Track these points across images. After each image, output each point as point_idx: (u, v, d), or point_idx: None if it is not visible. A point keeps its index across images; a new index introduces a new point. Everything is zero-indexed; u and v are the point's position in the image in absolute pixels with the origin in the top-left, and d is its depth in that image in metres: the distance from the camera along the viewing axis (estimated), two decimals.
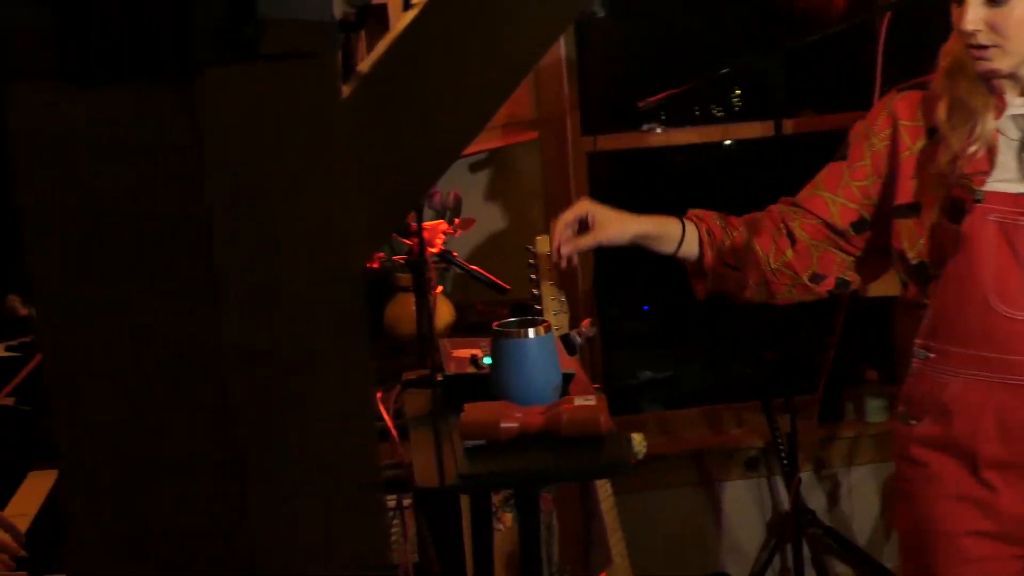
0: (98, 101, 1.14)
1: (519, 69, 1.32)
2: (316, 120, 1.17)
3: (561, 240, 3.00)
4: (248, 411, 1.19)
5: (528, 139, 4.70)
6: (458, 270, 3.62)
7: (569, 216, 3.03)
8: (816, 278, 3.15)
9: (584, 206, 3.06)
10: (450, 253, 3.54)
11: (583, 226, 3.04)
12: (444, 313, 3.89)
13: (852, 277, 3.18)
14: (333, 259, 1.20)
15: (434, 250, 3.49)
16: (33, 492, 2.97)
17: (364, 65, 1.28)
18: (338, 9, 1.20)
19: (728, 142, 5.27)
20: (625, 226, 3.09)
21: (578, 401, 2.20)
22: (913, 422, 3.01)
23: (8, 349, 3.45)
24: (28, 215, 1.15)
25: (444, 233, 3.52)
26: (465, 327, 3.99)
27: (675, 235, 3.12)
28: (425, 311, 2.43)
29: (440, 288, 3.67)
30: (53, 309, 1.18)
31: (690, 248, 3.12)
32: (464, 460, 2.12)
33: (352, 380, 1.22)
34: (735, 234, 3.12)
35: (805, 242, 3.10)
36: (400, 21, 1.29)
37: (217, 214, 1.16)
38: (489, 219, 4.51)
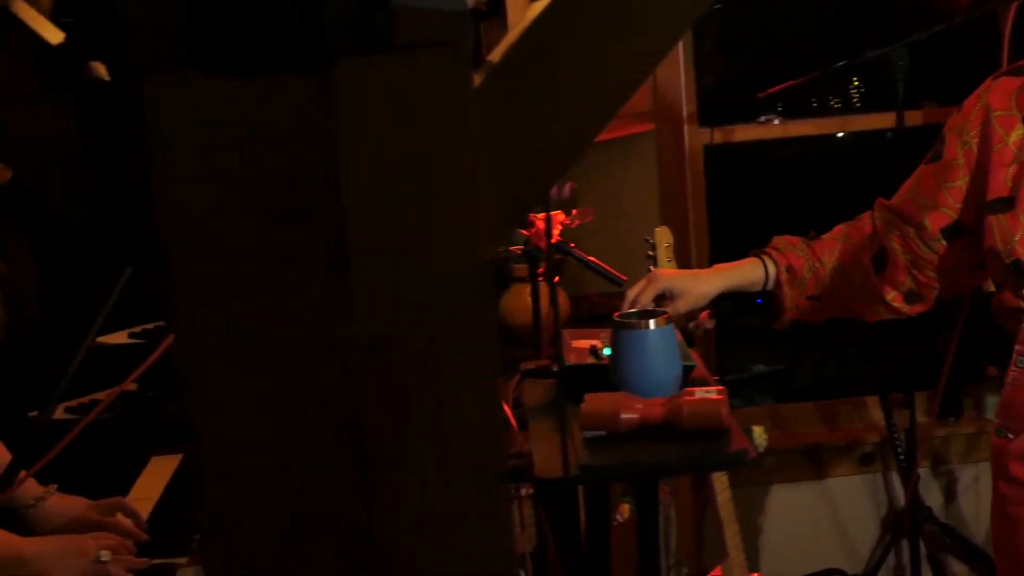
0: (233, 91, 1.15)
1: (649, 60, 1.31)
2: (450, 110, 1.17)
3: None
4: (377, 400, 1.20)
5: (644, 130, 4.69)
6: (574, 261, 3.61)
7: (644, 297, 2.98)
8: (911, 297, 3.09)
9: (658, 283, 3.01)
10: (567, 244, 3.54)
11: (660, 297, 3.00)
12: (560, 304, 3.88)
13: (929, 292, 3.10)
14: (464, 249, 1.20)
15: (552, 240, 3.49)
16: (156, 477, 3.01)
17: (495, 55, 1.27)
18: None
19: (840, 134, 5.22)
20: (704, 290, 3.05)
21: (699, 393, 2.19)
22: (1010, 436, 2.90)
23: (131, 336, 3.51)
24: (163, 204, 1.17)
25: (561, 224, 3.52)
26: (579, 318, 3.99)
27: (758, 279, 3.10)
28: (552, 301, 2.43)
29: (557, 279, 3.66)
30: (187, 299, 1.19)
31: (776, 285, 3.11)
32: (584, 451, 2.12)
33: (480, 370, 1.23)
34: (818, 266, 3.08)
35: (898, 259, 3.03)
36: (530, 10, 1.29)
37: (351, 204, 1.17)
38: (604, 210, 4.51)
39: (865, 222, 3.11)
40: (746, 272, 3.08)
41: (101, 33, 1.23)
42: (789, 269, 3.07)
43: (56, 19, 1.27)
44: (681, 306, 2.98)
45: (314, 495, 1.21)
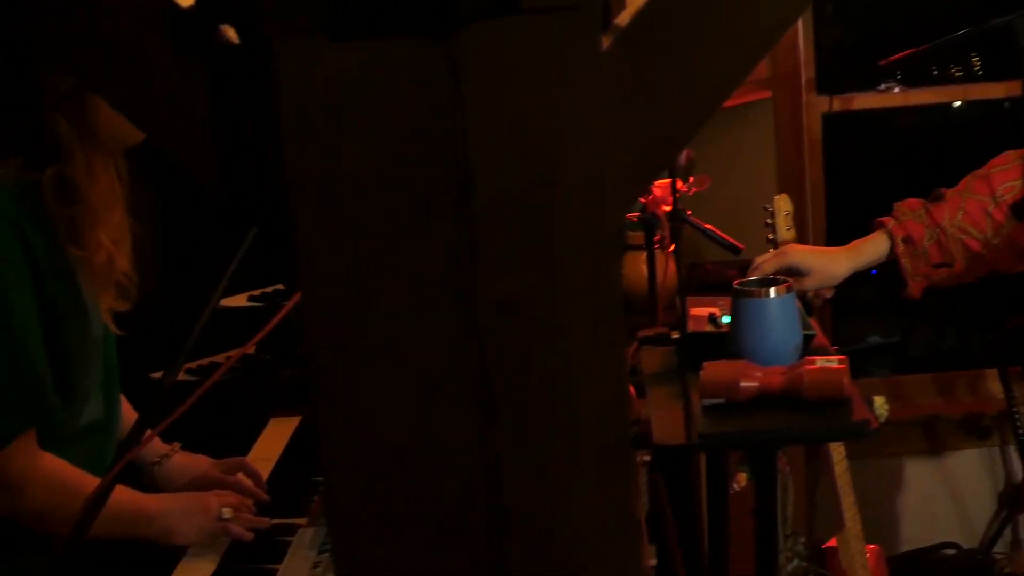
0: (362, 55, 1.16)
1: (779, 25, 1.29)
2: (578, 74, 1.17)
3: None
4: (504, 361, 1.20)
5: (761, 98, 4.65)
6: (689, 229, 3.60)
7: (770, 267, 2.95)
8: None
9: (789, 257, 2.98)
10: (683, 211, 3.53)
11: (790, 271, 2.96)
12: (673, 272, 3.87)
13: None
14: (592, 214, 1.20)
15: (668, 208, 3.48)
16: (275, 438, 3.05)
17: (623, 18, 1.27)
18: None
19: (957, 104, 5.14)
20: (836, 271, 3.01)
21: (820, 362, 2.17)
22: None
23: (250, 299, 3.55)
24: (292, 167, 1.18)
25: (678, 191, 3.50)
26: (693, 286, 3.98)
27: (885, 252, 3.06)
28: (679, 269, 2.42)
29: (673, 247, 3.65)
30: (315, 260, 1.20)
31: None
32: (703, 419, 2.11)
33: (606, 334, 1.22)
34: (938, 232, 3.03)
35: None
36: None
37: (478, 166, 1.17)
38: (720, 178, 4.48)
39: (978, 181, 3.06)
40: (874, 248, 3.04)
41: None
42: (907, 240, 3.03)
43: None
44: (809, 284, 2.96)
45: (438, 453, 1.22)
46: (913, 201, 3.09)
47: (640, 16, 1.25)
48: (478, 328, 1.19)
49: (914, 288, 3.10)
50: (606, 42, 1.22)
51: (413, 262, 1.19)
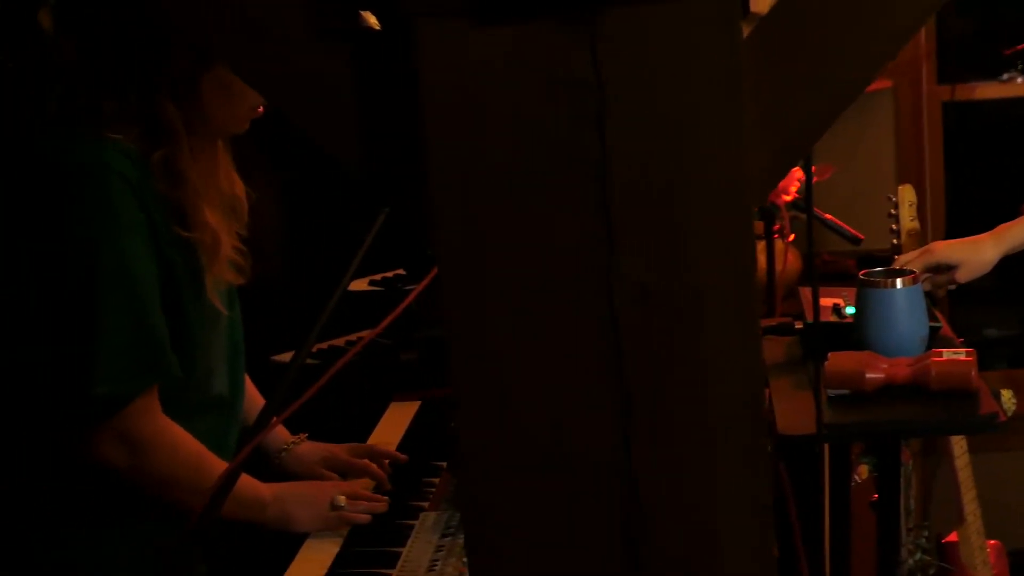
0: (504, 39, 1.16)
1: (920, 14, 1.28)
2: (718, 60, 1.16)
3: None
4: (639, 348, 1.20)
5: (882, 88, 4.61)
6: (804, 219, 3.57)
7: (914, 266, 2.89)
8: None
9: (933, 255, 2.92)
10: (804, 201, 3.50)
11: (936, 268, 2.91)
12: (792, 262, 3.85)
13: None
14: (729, 200, 1.19)
15: (788, 198, 3.46)
16: (395, 422, 3.06)
17: (761, 6, 1.26)
18: None
19: None
20: (986, 257, 2.95)
21: (947, 354, 2.14)
22: None
23: (371, 283, 3.57)
24: (433, 149, 1.18)
25: (798, 181, 3.48)
26: (809, 280, 3.95)
27: None
28: (808, 260, 2.39)
29: (792, 236, 3.63)
30: (454, 245, 1.20)
31: None
32: (828, 409, 2.10)
33: (742, 322, 1.22)
34: None
35: None
36: None
37: (616, 152, 1.17)
38: (840, 168, 4.45)
39: None
40: (1022, 231, 2.99)
41: None
42: None
43: None
44: (962, 276, 2.91)
45: (572, 437, 1.22)
46: None
47: (780, 5, 1.24)
48: (614, 316, 1.19)
49: None
50: (745, 30, 1.21)
51: (551, 245, 1.19)
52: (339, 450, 2.80)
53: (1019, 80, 4.70)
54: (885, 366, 2.15)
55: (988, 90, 4.74)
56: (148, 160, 2.30)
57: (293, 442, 2.78)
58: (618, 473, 1.22)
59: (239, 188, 2.49)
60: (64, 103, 2.34)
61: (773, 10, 1.24)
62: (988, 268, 2.96)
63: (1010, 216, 3.07)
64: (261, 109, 2.40)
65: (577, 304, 1.19)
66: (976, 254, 2.94)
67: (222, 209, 2.41)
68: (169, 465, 2.36)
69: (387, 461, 2.79)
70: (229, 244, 2.41)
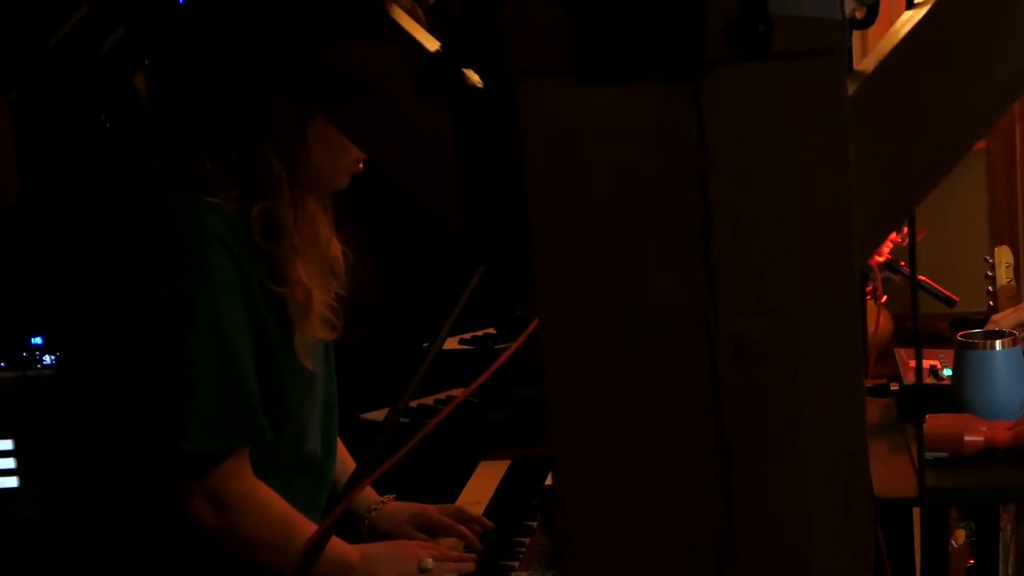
0: (608, 98, 1.16)
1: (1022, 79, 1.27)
2: (824, 119, 1.16)
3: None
4: (740, 406, 1.19)
5: (975, 149, 4.58)
6: (900, 280, 3.55)
7: (1008, 323, 2.83)
8: None
9: None
10: (896, 262, 3.48)
11: None
12: (884, 324, 3.82)
13: None
14: (834, 259, 1.18)
15: (880, 259, 3.43)
16: (484, 481, 3.06)
17: (866, 64, 1.26)
18: (847, 6, 1.18)
19: None
20: None
21: None
22: None
23: (461, 342, 3.58)
24: (535, 206, 1.19)
25: (891, 242, 3.46)
26: (903, 338, 3.91)
27: None
28: (914, 320, 2.37)
29: (885, 298, 3.61)
30: (556, 301, 1.20)
31: None
32: (927, 472, 2.07)
33: (846, 382, 1.21)
34: None
35: None
36: (904, 21, 1.27)
37: (719, 210, 1.17)
38: (932, 229, 4.42)
39: None
40: None
41: (477, 41, 1.26)
42: None
43: (434, 29, 1.30)
44: None
45: (671, 496, 1.21)
46: None
47: (885, 63, 1.24)
48: (715, 374, 1.19)
49: None
50: (850, 88, 1.21)
51: (652, 302, 1.19)
52: (428, 510, 2.79)
53: None
54: (984, 429, 2.13)
55: None
56: (245, 220, 2.32)
57: (381, 502, 2.78)
58: (717, 534, 1.21)
59: (336, 248, 2.51)
60: (165, 161, 2.37)
61: (878, 69, 1.24)
62: None
63: None
64: (362, 165, 2.42)
65: (678, 362, 1.19)
66: None
67: (318, 266, 2.43)
68: (258, 526, 2.37)
69: (476, 526, 2.78)
70: (322, 301, 2.43)
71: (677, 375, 1.19)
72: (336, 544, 2.50)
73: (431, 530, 2.76)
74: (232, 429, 2.31)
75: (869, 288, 3.48)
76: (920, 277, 3.46)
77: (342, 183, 2.45)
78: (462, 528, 2.73)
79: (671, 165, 1.17)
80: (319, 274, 2.44)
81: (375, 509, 2.77)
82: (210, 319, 2.27)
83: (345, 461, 2.72)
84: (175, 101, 2.36)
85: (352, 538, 2.61)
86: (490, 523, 2.77)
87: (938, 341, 3.60)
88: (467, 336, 3.60)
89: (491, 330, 3.62)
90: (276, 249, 2.35)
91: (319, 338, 2.47)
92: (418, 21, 1.34)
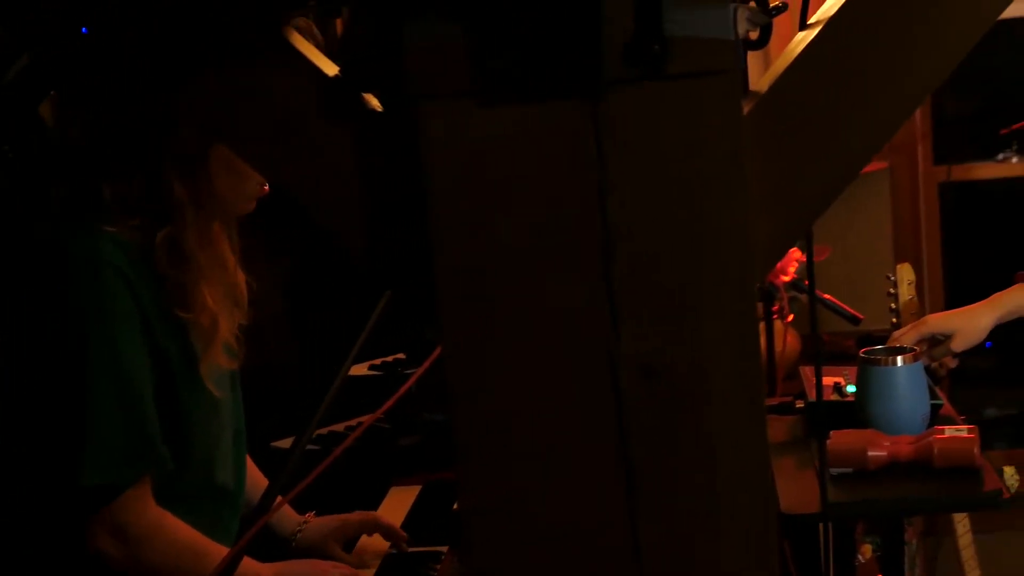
0: (508, 120, 1.17)
1: (918, 91, 1.29)
2: (720, 138, 1.18)
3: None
4: (644, 422, 1.20)
5: (878, 168, 4.63)
6: (805, 299, 3.58)
7: (909, 339, 2.89)
8: None
9: (927, 327, 2.92)
10: (802, 281, 3.51)
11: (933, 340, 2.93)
12: (791, 343, 3.85)
13: None
14: (734, 276, 1.20)
15: (787, 278, 3.47)
16: (396, 506, 3.05)
17: (761, 84, 1.27)
18: (741, 27, 1.20)
19: None
20: (980, 324, 2.95)
21: (950, 431, 2.15)
22: None
23: (371, 368, 3.56)
24: (437, 227, 1.19)
25: (796, 261, 3.49)
26: (810, 357, 3.95)
27: None
28: (815, 341, 2.40)
29: (791, 317, 3.64)
30: (459, 322, 1.21)
31: None
32: (831, 488, 2.10)
33: (746, 398, 1.22)
34: None
35: None
36: (797, 41, 1.29)
37: (619, 228, 1.18)
38: (837, 249, 4.47)
39: None
40: (1017, 299, 2.98)
41: (376, 65, 1.26)
42: None
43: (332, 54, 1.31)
44: (958, 344, 2.91)
45: (577, 514, 1.22)
46: None
47: (779, 83, 1.26)
48: (618, 392, 1.19)
49: None
50: (746, 107, 1.23)
51: (555, 323, 1.19)
52: (349, 519, 2.79)
53: (1014, 160, 4.72)
54: (888, 444, 2.16)
55: (984, 170, 4.77)
56: (145, 248, 2.31)
57: (304, 522, 2.78)
58: (624, 550, 1.22)
59: (241, 278, 2.50)
60: (66, 189, 2.36)
61: (772, 88, 1.25)
62: (983, 335, 2.96)
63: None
64: (267, 188, 2.42)
65: (582, 380, 1.20)
66: (970, 321, 2.94)
67: (223, 293, 2.42)
68: (166, 555, 2.35)
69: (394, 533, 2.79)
70: (227, 328, 2.41)
71: (581, 394, 1.20)
72: (248, 564, 2.48)
73: (355, 537, 2.77)
74: (131, 459, 2.29)
75: (776, 307, 3.52)
76: (825, 296, 3.50)
77: (248, 207, 2.44)
78: (393, 527, 2.75)
79: (572, 185, 1.18)
80: (224, 301, 2.43)
81: (300, 529, 2.76)
82: (106, 349, 2.25)
83: (259, 484, 2.70)
84: (77, 130, 2.35)
85: (280, 558, 2.60)
86: (404, 533, 2.77)
87: (845, 359, 3.64)
88: (377, 362, 3.59)
89: (401, 355, 3.61)
90: (181, 275, 2.33)
91: (222, 366, 2.45)
92: (316, 44, 1.34)
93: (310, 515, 2.80)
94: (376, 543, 2.80)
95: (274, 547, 2.70)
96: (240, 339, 2.48)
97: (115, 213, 2.32)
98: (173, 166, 2.31)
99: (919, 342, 2.82)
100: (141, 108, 2.28)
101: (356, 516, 2.82)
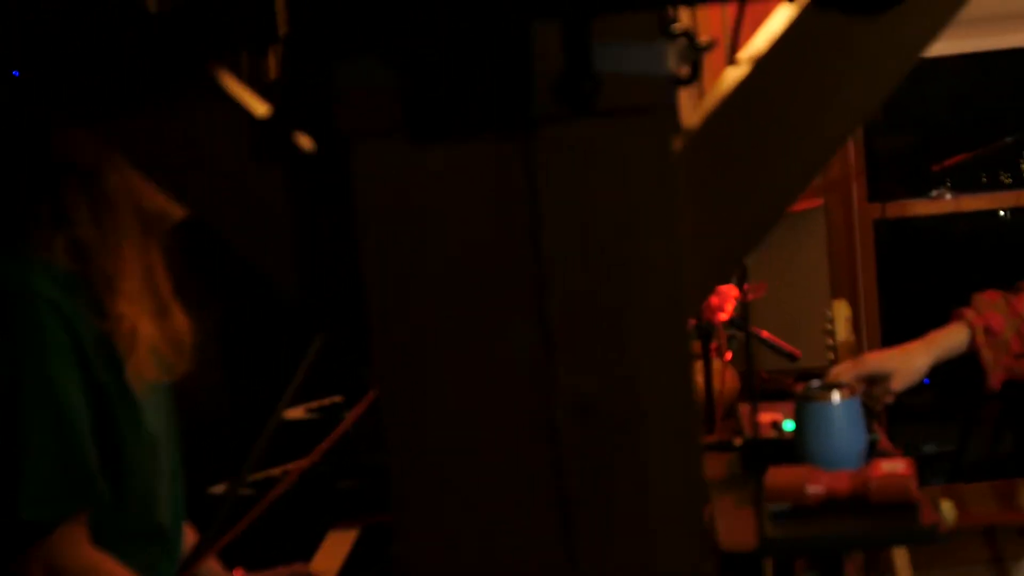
0: (441, 158, 1.17)
1: (846, 127, 1.31)
2: (652, 174, 1.18)
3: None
4: (580, 462, 1.20)
5: (813, 206, 4.66)
6: (743, 337, 3.59)
7: (846, 376, 2.92)
8: None
9: (865, 366, 2.96)
10: (741, 319, 3.52)
11: (872, 380, 2.96)
12: (730, 381, 3.86)
13: None
14: (665, 312, 1.20)
15: (724, 316, 3.48)
16: (334, 551, 3.03)
17: (693, 120, 1.28)
18: (671, 64, 1.21)
19: (1002, 212, 5.14)
20: (917, 365, 2.99)
21: (886, 466, 2.16)
22: None
23: (308, 411, 3.55)
24: (371, 266, 1.19)
25: (734, 299, 3.50)
26: (750, 394, 3.96)
27: (964, 342, 3.04)
28: (749, 376, 2.41)
29: (730, 355, 3.65)
30: (393, 361, 1.20)
31: None
32: (770, 524, 2.10)
33: (683, 435, 1.22)
34: (1019, 323, 3.02)
35: None
36: (727, 79, 1.30)
37: (553, 265, 1.18)
38: (774, 286, 4.48)
39: None
40: (952, 338, 3.02)
41: (305, 105, 1.26)
42: (988, 330, 3.01)
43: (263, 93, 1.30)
44: (896, 385, 2.94)
45: (514, 552, 1.22)
46: (992, 293, 3.08)
47: (710, 120, 1.26)
48: (554, 429, 1.19)
49: (994, 380, 3.07)
50: (678, 143, 1.23)
51: (491, 361, 1.19)
52: (278, 573, 2.77)
53: (947, 197, 4.77)
54: (825, 479, 2.17)
55: (918, 207, 4.82)
56: (79, 275, 2.31)
57: None
58: None
59: (168, 290, 2.49)
60: None
61: (703, 125, 1.26)
62: (921, 375, 2.99)
63: (943, 325, 3.11)
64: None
65: (518, 418, 1.20)
66: (908, 362, 2.97)
67: (147, 303, 2.41)
68: None
69: None
70: (151, 335, 2.40)
71: (517, 433, 1.20)
72: None
73: None
74: (69, 492, 2.27)
75: (714, 345, 3.52)
76: (763, 333, 3.51)
77: (176, 218, 2.43)
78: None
79: (504, 222, 1.18)
80: (148, 311, 2.42)
81: None
82: (41, 381, 2.24)
83: (188, 536, 2.69)
84: None
85: None
86: None
87: (784, 396, 3.64)
88: (314, 405, 3.57)
89: (338, 398, 3.60)
90: (89, 276, 2.33)
91: (152, 378, 2.43)
92: (254, 82, 1.34)
93: (237, 571, 2.78)
94: None
95: None
96: (181, 353, 2.47)
97: (41, 241, 2.31)
98: (72, 183, 2.32)
99: (857, 380, 2.84)
100: (48, 136, 2.30)
101: (285, 571, 2.80)
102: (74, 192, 2.33)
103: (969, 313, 3.05)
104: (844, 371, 2.93)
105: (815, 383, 2.45)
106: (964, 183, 4.89)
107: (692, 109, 1.31)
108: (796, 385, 2.50)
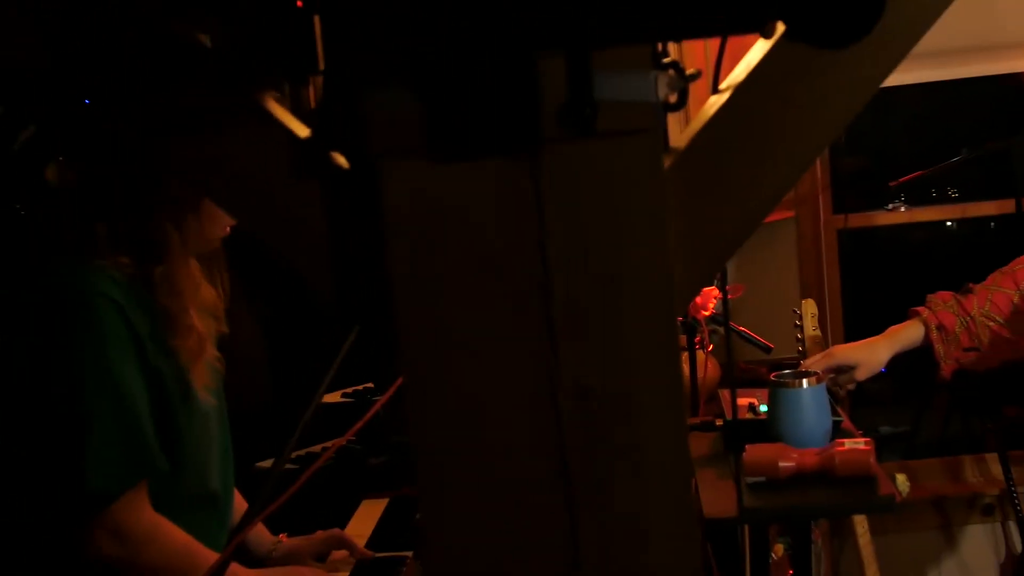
0: (459, 177, 1.17)
1: (816, 146, 1.30)
2: (646, 189, 1.18)
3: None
4: (581, 440, 1.20)
5: (785, 217, 4.66)
6: (722, 332, 3.58)
7: (818, 367, 2.92)
8: None
9: (835, 358, 2.99)
10: (721, 316, 3.52)
11: (839, 369, 2.98)
12: (711, 370, 3.86)
13: None
14: (655, 310, 1.20)
15: (707, 313, 3.47)
16: (367, 517, 3.04)
17: (679, 141, 1.28)
18: (661, 92, 1.20)
19: (949, 223, 5.14)
20: (880, 357, 3.01)
21: (849, 444, 2.15)
22: None
23: (343, 396, 3.55)
24: (396, 272, 1.19)
25: (715, 299, 3.50)
26: (727, 381, 3.95)
27: (919, 337, 3.05)
28: (728, 364, 2.41)
29: (711, 347, 3.64)
30: (416, 354, 1.20)
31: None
32: (748, 495, 2.10)
33: (672, 417, 1.22)
34: (968, 320, 3.02)
35: None
36: (711, 104, 1.29)
37: (557, 270, 1.17)
38: (751, 287, 4.49)
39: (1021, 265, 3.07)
40: (909, 334, 3.04)
41: (341, 128, 1.26)
42: (940, 327, 3.02)
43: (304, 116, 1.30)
44: (860, 375, 2.97)
45: (523, 520, 1.21)
46: (944, 294, 3.10)
47: (695, 141, 1.26)
48: (558, 414, 1.19)
49: (945, 370, 3.08)
50: (667, 162, 1.23)
51: (502, 355, 1.19)
52: (315, 537, 2.78)
53: (903, 209, 4.77)
54: (795, 456, 2.16)
55: (877, 218, 4.82)
56: (137, 279, 2.31)
57: (278, 541, 2.76)
58: (564, 548, 1.21)
59: (214, 293, 2.51)
60: (61, 228, 2.35)
61: (689, 145, 1.26)
62: (882, 366, 3.01)
63: (899, 321, 3.12)
64: (228, 229, 2.44)
65: (525, 402, 1.19)
66: (871, 355, 2.98)
67: (206, 315, 2.43)
68: (162, 555, 2.32)
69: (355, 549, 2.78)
70: (210, 351, 2.42)
71: (525, 414, 1.20)
72: (236, 569, 2.46)
73: (324, 554, 2.76)
74: (130, 462, 2.27)
75: (698, 339, 3.52)
76: (740, 328, 3.51)
77: (216, 244, 2.46)
78: (352, 542, 2.74)
79: (514, 231, 1.18)
80: (207, 323, 2.44)
81: (274, 548, 2.75)
82: (103, 371, 2.24)
83: (239, 504, 2.69)
84: (73, 177, 2.35)
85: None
86: (364, 549, 2.76)
87: (759, 384, 3.64)
88: (349, 390, 3.58)
89: (370, 384, 3.60)
90: (173, 305, 2.34)
91: (206, 384, 2.44)
92: (296, 108, 1.34)
93: (282, 536, 2.79)
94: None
95: (252, 565, 2.68)
96: (221, 359, 2.49)
97: (103, 249, 2.32)
98: (166, 211, 2.32)
99: (826, 371, 2.86)
100: (136, 161, 2.29)
101: (322, 534, 2.81)
102: (165, 224, 2.33)
103: (924, 311, 3.05)
104: (815, 362, 2.93)
105: (786, 372, 2.44)
106: (917, 197, 4.89)
107: (679, 132, 1.31)
108: (770, 373, 2.49)
